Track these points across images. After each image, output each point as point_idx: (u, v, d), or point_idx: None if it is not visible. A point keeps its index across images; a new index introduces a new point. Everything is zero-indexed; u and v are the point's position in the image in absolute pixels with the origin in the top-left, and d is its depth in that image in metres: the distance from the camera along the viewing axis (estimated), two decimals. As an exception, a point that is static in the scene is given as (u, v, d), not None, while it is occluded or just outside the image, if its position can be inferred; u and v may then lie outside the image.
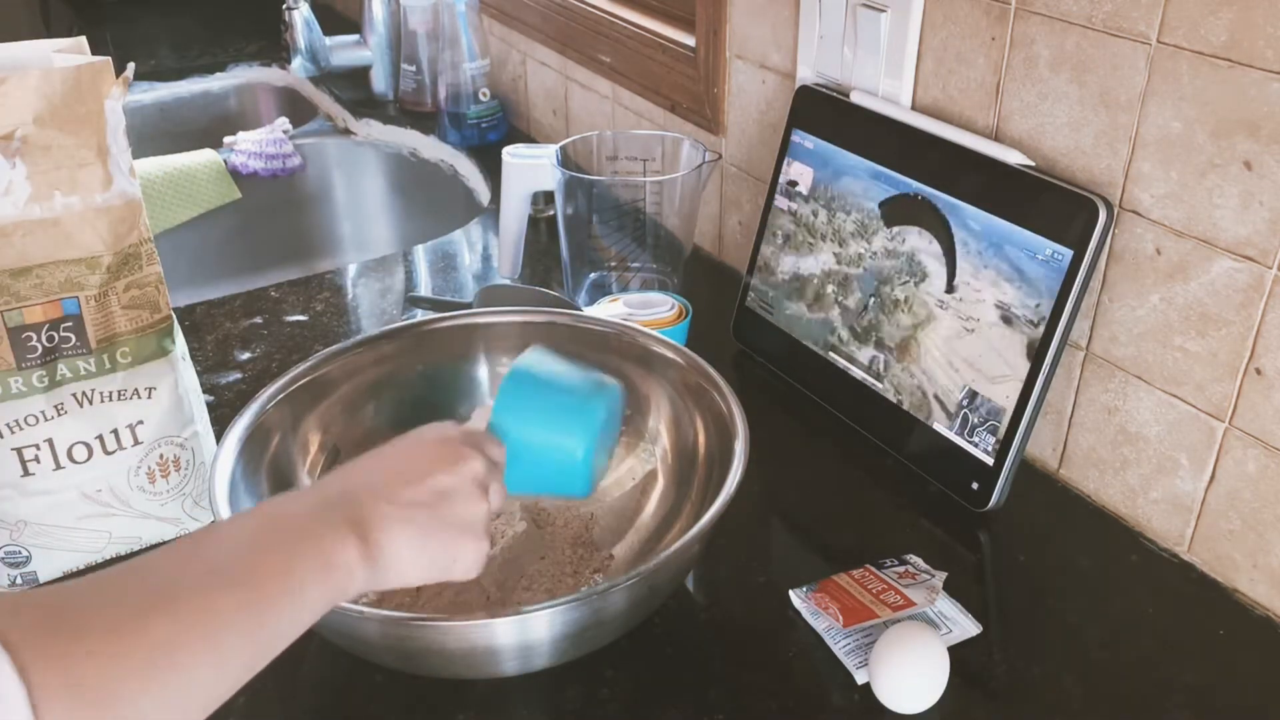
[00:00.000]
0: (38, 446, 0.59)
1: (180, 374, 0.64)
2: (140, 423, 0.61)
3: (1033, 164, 0.77)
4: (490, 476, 0.56)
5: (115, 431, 0.61)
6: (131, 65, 0.64)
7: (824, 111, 0.92)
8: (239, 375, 0.95)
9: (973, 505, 0.79)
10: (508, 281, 1.10)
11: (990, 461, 0.77)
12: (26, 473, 0.60)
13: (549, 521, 0.77)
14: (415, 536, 0.51)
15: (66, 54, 0.62)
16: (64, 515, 0.64)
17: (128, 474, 0.65)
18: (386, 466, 0.53)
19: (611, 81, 1.26)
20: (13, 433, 0.58)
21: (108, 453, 0.62)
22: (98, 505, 0.64)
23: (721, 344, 1.00)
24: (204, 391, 0.84)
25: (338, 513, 0.49)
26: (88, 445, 0.60)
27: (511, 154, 1.05)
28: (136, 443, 0.62)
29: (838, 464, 0.86)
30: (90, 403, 0.60)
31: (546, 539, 0.76)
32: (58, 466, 0.60)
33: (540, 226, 1.23)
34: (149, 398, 0.61)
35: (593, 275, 1.05)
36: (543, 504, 0.79)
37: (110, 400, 0.60)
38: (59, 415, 0.58)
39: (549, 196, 1.19)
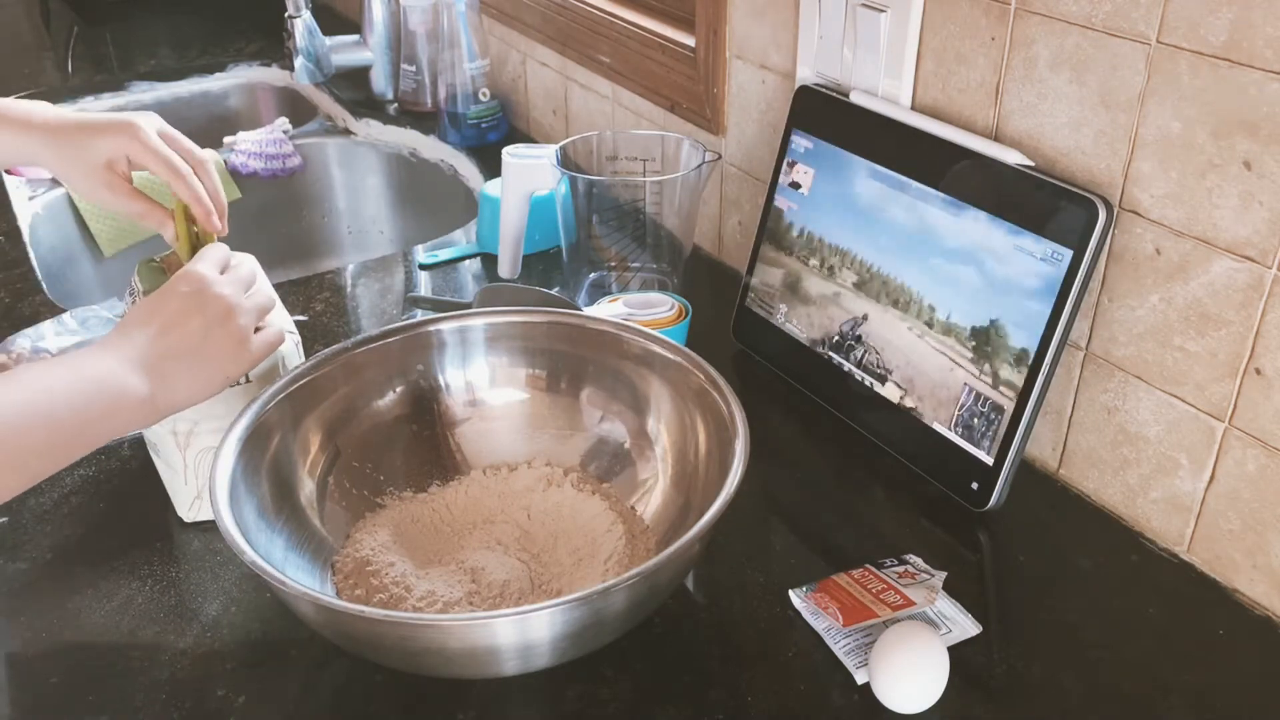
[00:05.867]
0: None
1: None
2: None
3: (1032, 164, 0.77)
4: (236, 297, 0.69)
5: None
6: None
7: (824, 112, 0.92)
8: (239, 375, 0.95)
9: (973, 505, 0.79)
10: (508, 281, 1.10)
11: (990, 461, 0.77)
12: None
13: (549, 521, 0.77)
14: (184, 373, 0.66)
15: None
16: None
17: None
18: (148, 326, 0.66)
19: (611, 81, 1.26)
20: None
21: None
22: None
23: (721, 344, 1.00)
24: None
25: (121, 371, 0.64)
26: None
27: (511, 154, 1.05)
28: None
29: (838, 464, 0.86)
30: None
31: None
32: None
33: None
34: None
35: (593, 275, 1.05)
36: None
37: None
38: None
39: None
